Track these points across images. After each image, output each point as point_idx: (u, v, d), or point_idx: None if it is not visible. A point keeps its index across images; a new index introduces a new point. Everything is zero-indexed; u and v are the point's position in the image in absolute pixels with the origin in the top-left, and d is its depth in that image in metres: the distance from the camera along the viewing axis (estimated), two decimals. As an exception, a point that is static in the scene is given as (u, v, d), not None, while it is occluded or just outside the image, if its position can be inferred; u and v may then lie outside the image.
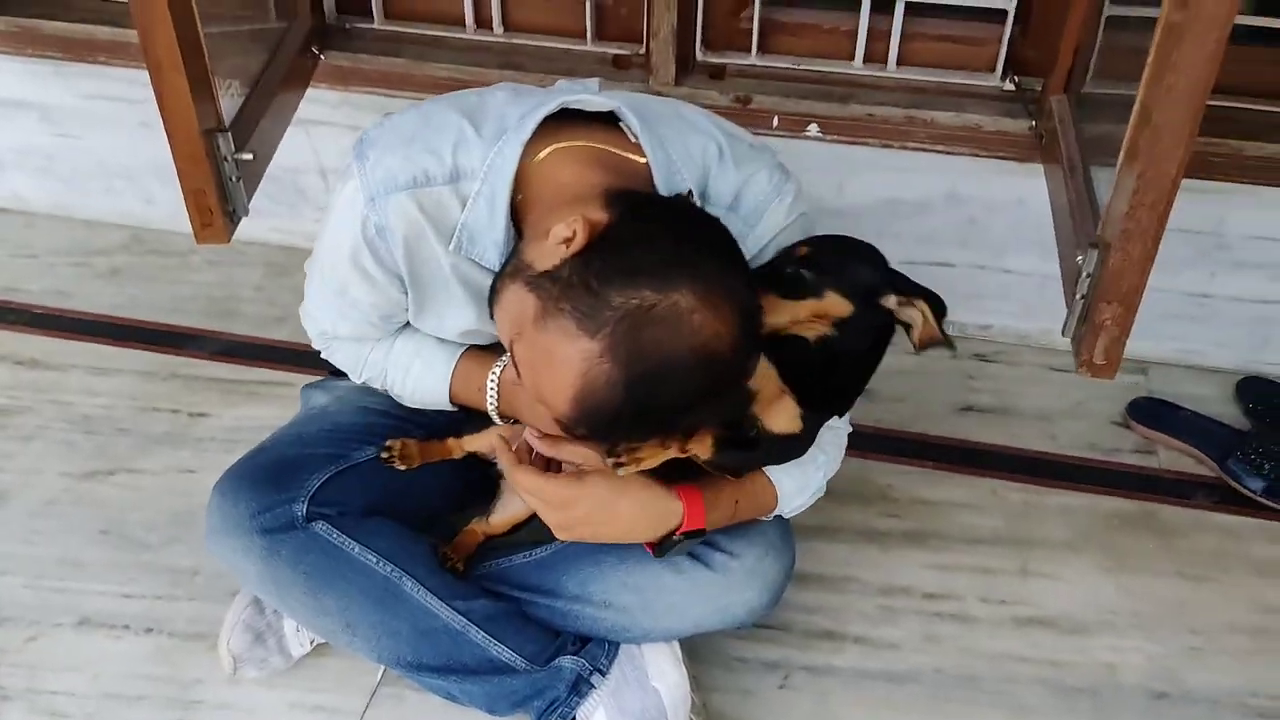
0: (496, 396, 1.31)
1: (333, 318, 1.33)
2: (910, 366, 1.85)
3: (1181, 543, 1.66)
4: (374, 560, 1.31)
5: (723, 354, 1.00)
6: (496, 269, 1.16)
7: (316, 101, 1.88)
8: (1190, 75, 1.09)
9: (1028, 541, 1.66)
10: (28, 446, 1.74)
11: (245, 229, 1.60)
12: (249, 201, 1.52)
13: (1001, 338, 1.98)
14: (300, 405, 1.50)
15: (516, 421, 1.33)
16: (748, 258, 1.12)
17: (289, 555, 1.29)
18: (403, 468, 1.38)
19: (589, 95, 1.20)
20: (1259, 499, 1.70)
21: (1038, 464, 1.78)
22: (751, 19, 1.81)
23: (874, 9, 1.78)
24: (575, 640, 1.38)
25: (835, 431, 1.36)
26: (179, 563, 1.57)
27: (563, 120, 1.18)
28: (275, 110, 1.64)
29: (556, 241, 1.02)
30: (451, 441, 1.41)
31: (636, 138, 1.18)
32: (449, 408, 1.37)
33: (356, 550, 1.31)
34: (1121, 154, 1.22)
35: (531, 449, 1.27)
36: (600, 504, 1.22)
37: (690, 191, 1.18)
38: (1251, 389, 1.87)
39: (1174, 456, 1.79)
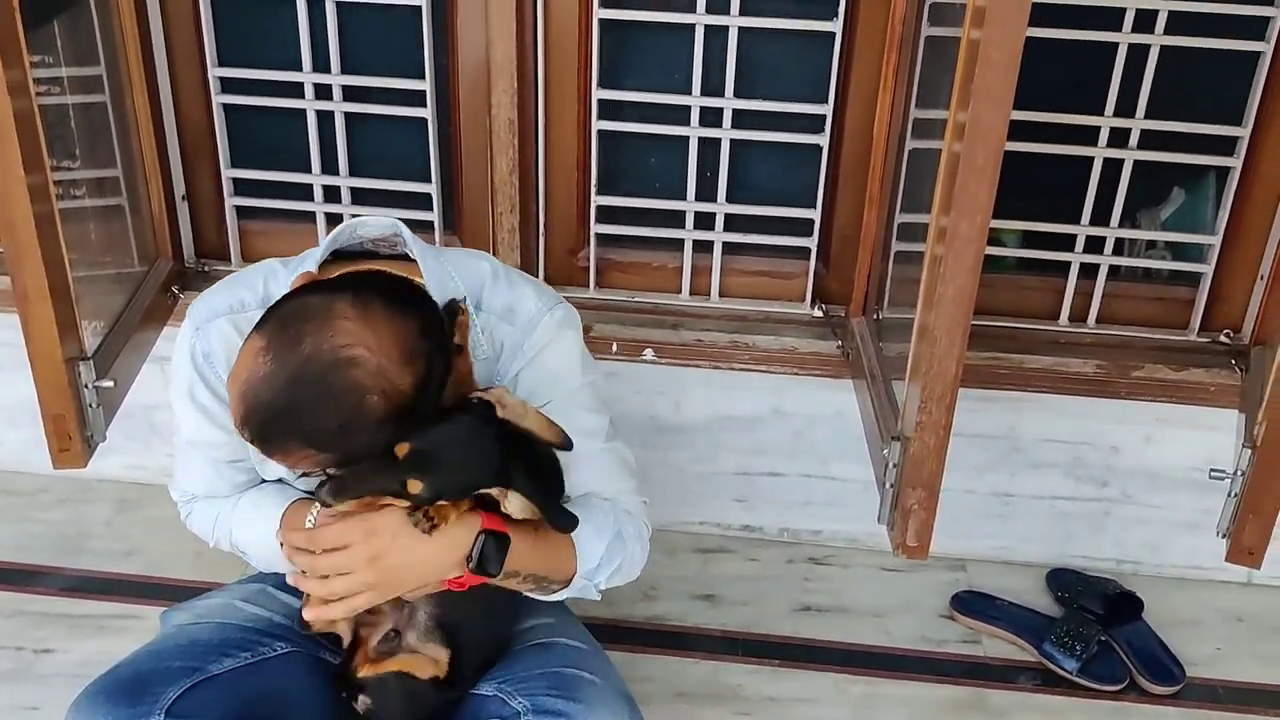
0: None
1: (188, 475, 1.45)
2: (750, 572, 1.97)
3: (1010, 724, 1.78)
4: (232, 772, 1.30)
5: (365, 360, 1.12)
6: None
7: (174, 339, 1.94)
8: (957, 285, 1.30)
9: (871, 729, 1.74)
10: None
11: (96, 466, 1.63)
12: (106, 428, 1.58)
13: (832, 541, 2.11)
14: (160, 628, 1.49)
15: None
16: (524, 363, 1.35)
17: (145, 770, 1.27)
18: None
19: (371, 218, 1.36)
20: (1074, 678, 1.84)
21: (874, 657, 1.88)
22: (588, 259, 2.01)
23: (695, 249, 2.00)
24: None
25: (635, 519, 1.42)
26: (17, 804, 1.51)
27: (365, 259, 1.35)
28: (134, 345, 1.72)
29: None
30: None
31: (414, 258, 1.33)
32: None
33: (214, 762, 1.30)
34: (910, 360, 1.40)
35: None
36: (403, 522, 1.23)
37: (464, 299, 1.32)
38: (1059, 579, 2.04)
39: (997, 644, 1.92)
